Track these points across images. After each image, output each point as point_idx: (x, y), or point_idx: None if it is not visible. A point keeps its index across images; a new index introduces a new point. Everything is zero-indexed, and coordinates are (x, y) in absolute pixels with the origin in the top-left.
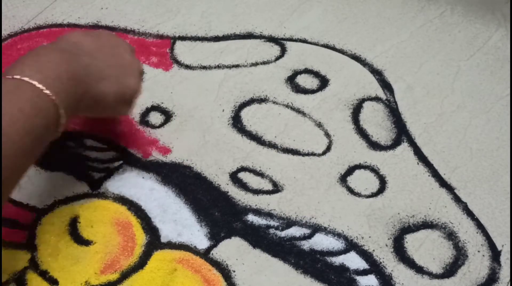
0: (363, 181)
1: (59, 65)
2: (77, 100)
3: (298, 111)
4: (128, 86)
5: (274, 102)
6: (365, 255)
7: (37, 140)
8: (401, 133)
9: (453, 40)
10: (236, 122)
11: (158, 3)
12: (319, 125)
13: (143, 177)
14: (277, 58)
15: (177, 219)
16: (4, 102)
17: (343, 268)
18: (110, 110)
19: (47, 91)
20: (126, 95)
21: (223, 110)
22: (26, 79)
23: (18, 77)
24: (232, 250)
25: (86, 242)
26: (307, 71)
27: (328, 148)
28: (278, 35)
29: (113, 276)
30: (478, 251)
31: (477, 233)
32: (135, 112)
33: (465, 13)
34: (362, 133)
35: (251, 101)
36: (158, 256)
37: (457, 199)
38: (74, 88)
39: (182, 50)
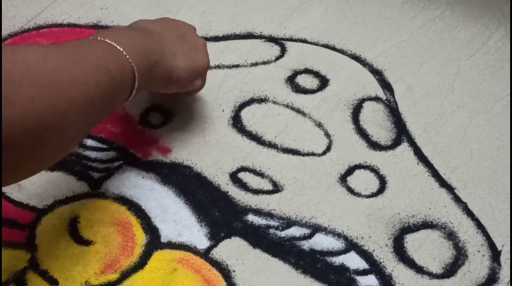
0: (363, 181)
1: (134, 38)
2: (150, 69)
3: (298, 111)
4: (198, 61)
5: (274, 102)
6: (365, 255)
7: (113, 100)
8: (401, 133)
9: (453, 40)
10: (236, 122)
11: (158, 3)
12: (319, 125)
13: (143, 177)
14: (277, 58)
15: (177, 219)
16: (97, 62)
17: (343, 268)
18: (184, 83)
19: (130, 60)
20: (198, 68)
21: (223, 110)
22: (113, 43)
23: (111, 42)
24: (232, 250)
25: (86, 242)
26: (307, 71)
27: (328, 148)
28: (278, 35)
29: (113, 276)
30: (478, 251)
31: (477, 233)
32: (136, 112)
33: (465, 13)
34: (362, 133)
35: (251, 101)
36: (158, 256)
37: (457, 199)
38: (147, 57)
39: None
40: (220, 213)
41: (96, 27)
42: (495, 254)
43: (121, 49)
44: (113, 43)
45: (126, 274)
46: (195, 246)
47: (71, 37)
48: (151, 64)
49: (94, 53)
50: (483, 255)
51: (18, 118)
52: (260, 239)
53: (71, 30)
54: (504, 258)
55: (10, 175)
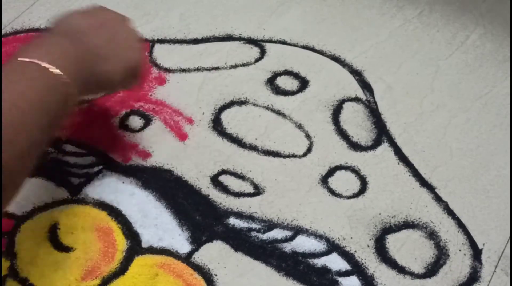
0: (344, 182)
1: (64, 47)
2: (86, 79)
3: (278, 113)
4: (131, 60)
5: (254, 104)
6: (347, 256)
7: (50, 115)
8: (381, 134)
9: (431, 39)
10: (217, 125)
11: (136, 6)
12: (300, 126)
13: (123, 182)
14: (257, 60)
15: (158, 223)
16: (13, 81)
17: (325, 270)
18: (120, 85)
19: (57, 71)
20: (131, 69)
21: (203, 113)
22: (35, 60)
23: (27, 59)
24: (214, 253)
25: (66, 249)
26: (286, 72)
27: (308, 150)
28: (257, 36)
29: (94, 283)
30: (459, 250)
31: (458, 232)
32: (116, 120)
33: (443, 12)
34: (342, 134)
35: (231, 104)
36: (140, 261)
37: (438, 199)
38: (81, 67)
39: (161, 53)
40: (201, 217)
41: None
42: (476, 253)
43: (58, 72)
44: (42, 64)
45: (107, 280)
46: (176, 251)
47: None
48: (86, 77)
49: (30, 85)
50: (464, 254)
51: None
52: (241, 242)
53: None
54: (485, 256)
55: None
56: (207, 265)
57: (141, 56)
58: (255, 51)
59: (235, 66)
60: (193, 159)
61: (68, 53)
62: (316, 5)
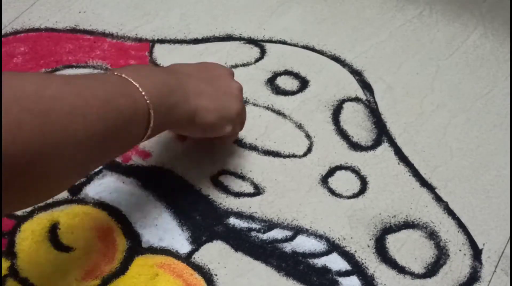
0: (344, 182)
1: (154, 75)
2: (169, 109)
3: (278, 113)
4: (227, 105)
5: (254, 104)
6: (347, 256)
7: (123, 138)
8: (382, 134)
9: (432, 39)
10: None
11: (136, 6)
12: (300, 126)
13: (123, 182)
14: (257, 60)
15: (158, 223)
16: (104, 95)
17: (325, 270)
18: (210, 127)
19: (140, 89)
20: (226, 113)
21: None
22: (129, 78)
23: (126, 77)
24: (214, 253)
25: (66, 249)
26: (287, 72)
27: (309, 150)
28: (258, 36)
29: (94, 283)
30: (460, 250)
31: (458, 232)
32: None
33: (444, 12)
34: (342, 134)
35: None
36: (140, 261)
37: (438, 199)
38: (167, 95)
39: (161, 53)
40: (202, 217)
41: (74, 31)
42: (476, 253)
43: (137, 85)
44: (128, 79)
45: (107, 280)
46: (176, 251)
47: (49, 41)
48: (171, 104)
49: (103, 86)
50: (465, 254)
51: (4, 142)
52: (242, 242)
53: (48, 35)
54: (485, 256)
55: (12, 201)
56: (207, 265)
57: (238, 105)
58: (255, 51)
59: (235, 66)
60: (193, 159)
61: (158, 80)
62: (317, 5)
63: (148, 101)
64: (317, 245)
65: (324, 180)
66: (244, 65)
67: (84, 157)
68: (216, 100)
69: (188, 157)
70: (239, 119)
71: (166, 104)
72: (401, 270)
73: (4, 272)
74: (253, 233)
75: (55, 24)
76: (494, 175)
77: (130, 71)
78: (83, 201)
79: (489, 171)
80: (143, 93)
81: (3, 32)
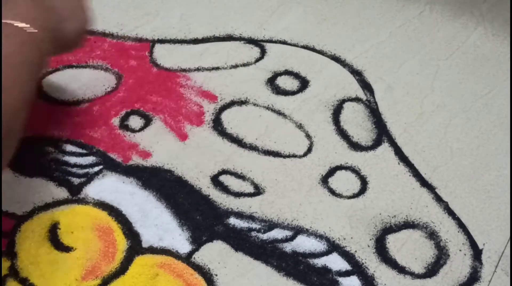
0: (345, 182)
1: (30, 8)
2: (52, 35)
3: (278, 113)
4: (84, 21)
5: (254, 104)
6: (347, 256)
7: (32, 67)
8: (382, 134)
9: (432, 39)
10: (217, 124)
11: (136, 6)
12: (300, 126)
13: (123, 182)
14: (257, 60)
15: (158, 223)
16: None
17: (325, 270)
18: (73, 44)
19: (31, 29)
20: (84, 29)
21: (203, 113)
22: (11, 21)
23: (5, 21)
24: (214, 253)
25: (66, 249)
26: (287, 72)
27: (309, 150)
28: (258, 36)
29: (95, 283)
30: (460, 250)
31: (458, 232)
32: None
33: (444, 12)
34: (342, 134)
35: (231, 104)
36: (140, 261)
37: (438, 199)
38: (48, 25)
39: (161, 53)
40: (202, 216)
41: None
42: (477, 253)
43: (21, 24)
44: (16, 24)
45: (107, 280)
46: (176, 251)
47: None
48: (51, 31)
49: (12, 47)
50: (465, 254)
51: None
52: (242, 242)
53: None
54: (486, 256)
55: None
56: (207, 265)
57: (89, 17)
58: (255, 51)
59: (236, 66)
60: (194, 159)
61: (35, 13)
62: (317, 5)
63: (41, 34)
64: (317, 245)
65: (324, 180)
66: (244, 65)
67: (26, 109)
68: (76, 21)
69: (188, 157)
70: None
71: (48, 33)
72: (401, 270)
73: (4, 272)
74: (253, 233)
75: None
76: (495, 175)
77: (15, 14)
78: (83, 201)
79: (490, 171)
80: (35, 28)
81: None
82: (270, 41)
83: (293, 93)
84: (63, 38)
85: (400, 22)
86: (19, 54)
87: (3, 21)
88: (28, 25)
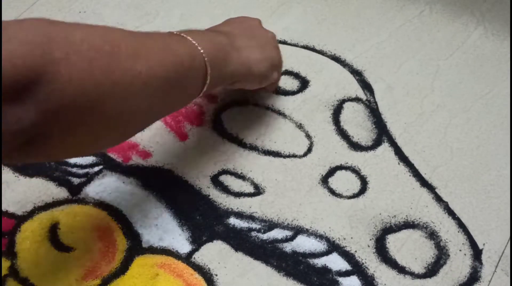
0: (345, 182)
1: (204, 33)
2: (223, 61)
3: (278, 113)
4: (272, 53)
5: (254, 104)
6: (347, 256)
7: (182, 86)
8: (382, 133)
9: (432, 39)
10: (217, 125)
11: (136, 6)
12: (300, 126)
13: (123, 182)
14: None
15: (158, 223)
16: (163, 44)
17: (325, 270)
18: (263, 76)
19: (200, 48)
20: (273, 60)
21: (203, 113)
22: (186, 36)
23: (182, 34)
24: (214, 253)
25: (66, 249)
26: (287, 72)
27: (309, 150)
28: None
29: (95, 283)
30: (460, 250)
31: (458, 232)
32: None
33: (444, 12)
34: (343, 134)
35: (231, 104)
36: (140, 261)
37: (438, 199)
38: (219, 49)
39: None
40: (202, 216)
41: None
42: (477, 253)
43: (191, 39)
44: (182, 34)
45: (107, 280)
46: (176, 251)
47: None
48: (224, 56)
49: (161, 37)
50: (465, 254)
51: (75, 78)
52: (242, 242)
53: None
54: (486, 256)
55: (76, 137)
56: (207, 265)
57: (277, 51)
58: None
59: None
60: (194, 159)
61: (208, 36)
62: (317, 5)
63: (204, 55)
64: (317, 245)
65: (324, 180)
66: None
67: (146, 102)
68: (262, 51)
69: (188, 157)
70: (281, 65)
71: (220, 58)
72: (401, 270)
73: (4, 272)
74: (253, 233)
75: None
76: (495, 175)
77: (186, 32)
78: (83, 201)
79: (490, 171)
80: (200, 49)
81: None
82: None
83: (293, 93)
84: (243, 66)
85: (400, 22)
86: (177, 62)
87: (182, 34)
88: (197, 44)
